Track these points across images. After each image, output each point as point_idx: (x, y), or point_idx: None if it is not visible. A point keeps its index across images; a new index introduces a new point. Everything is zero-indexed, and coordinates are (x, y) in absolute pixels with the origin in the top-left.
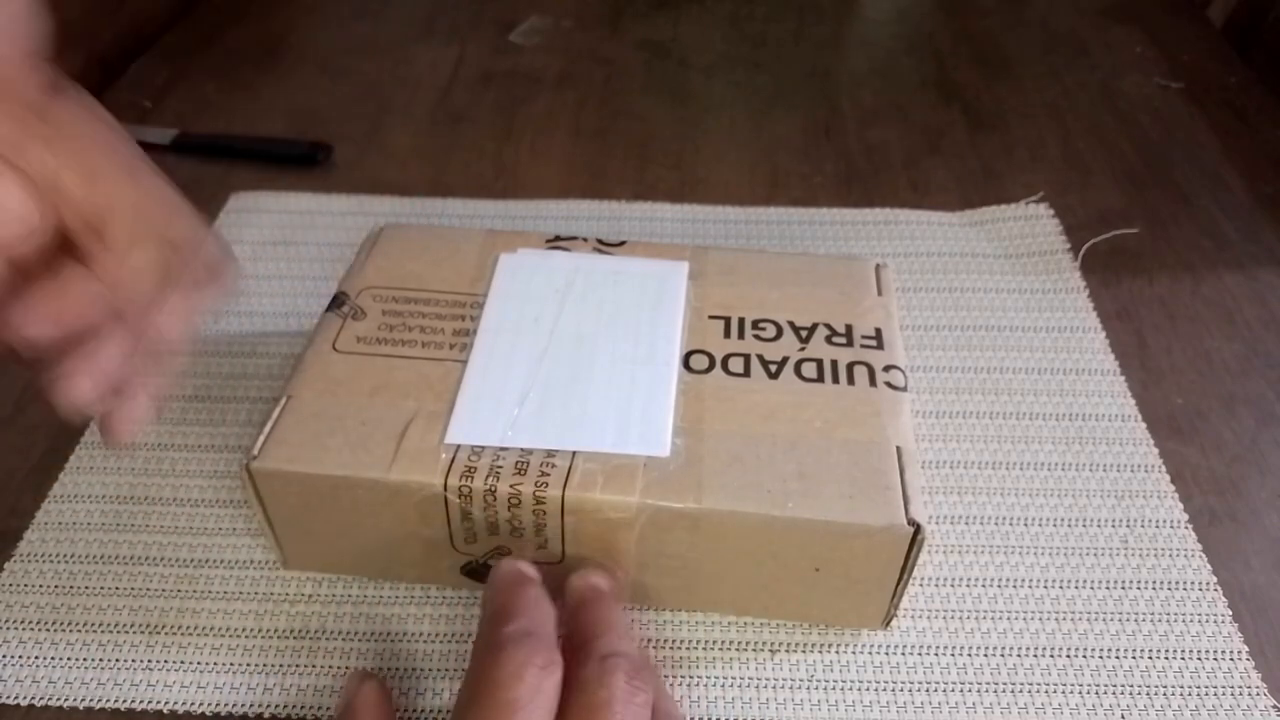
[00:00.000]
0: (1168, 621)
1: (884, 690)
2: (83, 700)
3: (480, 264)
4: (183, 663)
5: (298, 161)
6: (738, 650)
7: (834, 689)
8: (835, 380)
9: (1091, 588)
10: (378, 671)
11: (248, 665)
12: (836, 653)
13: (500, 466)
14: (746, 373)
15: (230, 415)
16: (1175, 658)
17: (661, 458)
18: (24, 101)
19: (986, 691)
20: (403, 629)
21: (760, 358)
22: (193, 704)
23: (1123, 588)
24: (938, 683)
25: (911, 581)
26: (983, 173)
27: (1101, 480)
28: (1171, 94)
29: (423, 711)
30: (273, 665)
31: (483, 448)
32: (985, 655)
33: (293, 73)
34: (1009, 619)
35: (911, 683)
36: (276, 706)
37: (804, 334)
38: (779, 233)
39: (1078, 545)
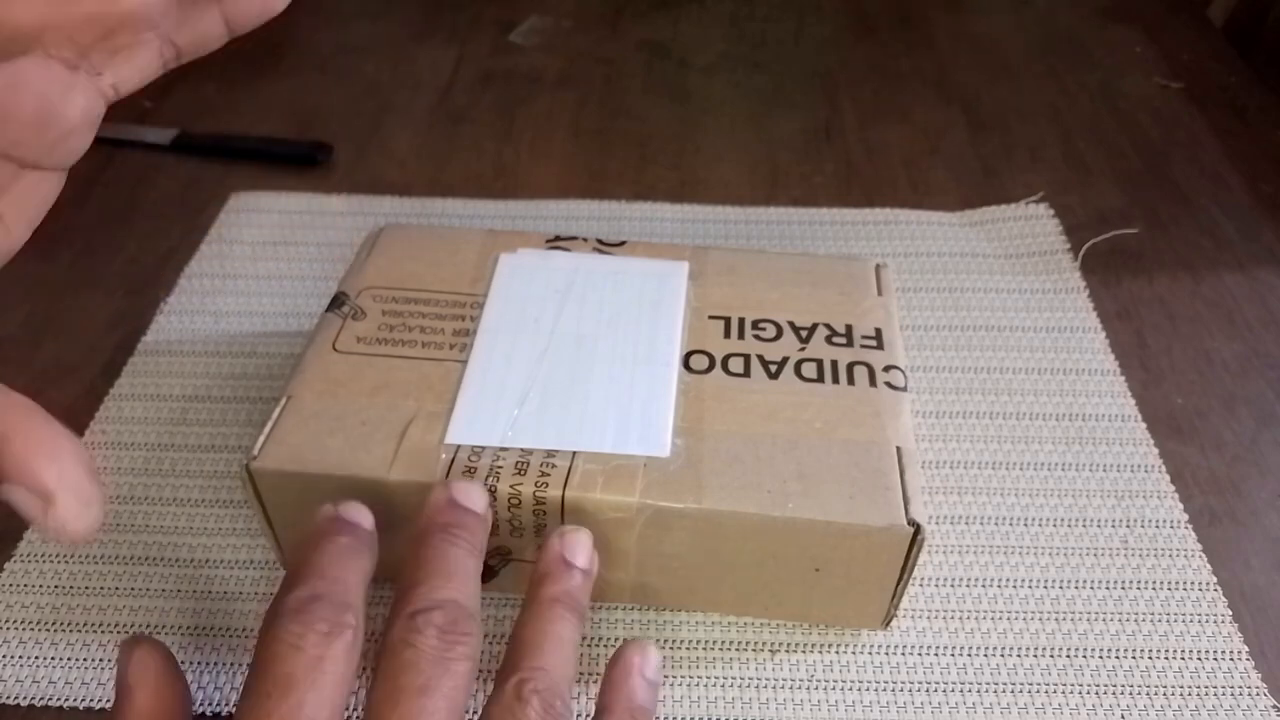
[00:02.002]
0: (1168, 621)
1: (884, 690)
2: (83, 700)
3: (480, 264)
4: (183, 662)
5: (298, 161)
6: (738, 650)
7: (834, 689)
8: (835, 380)
9: (1091, 588)
10: None
11: (248, 665)
12: (836, 653)
13: (500, 467)
14: (746, 373)
15: (230, 415)
16: (1175, 658)
17: (661, 458)
18: None
19: (986, 691)
20: None
21: (760, 358)
22: (193, 704)
23: (1123, 588)
24: (938, 683)
25: (911, 581)
26: (983, 173)
27: (1101, 480)
28: (1171, 94)
29: None
30: None
31: (483, 448)
32: (985, 655)
33: (293, 73)
34: (1009, 619)
35: (911, 683)
36: None
37: (804, 334)
38: (779, 233)
39: (1078, 545)
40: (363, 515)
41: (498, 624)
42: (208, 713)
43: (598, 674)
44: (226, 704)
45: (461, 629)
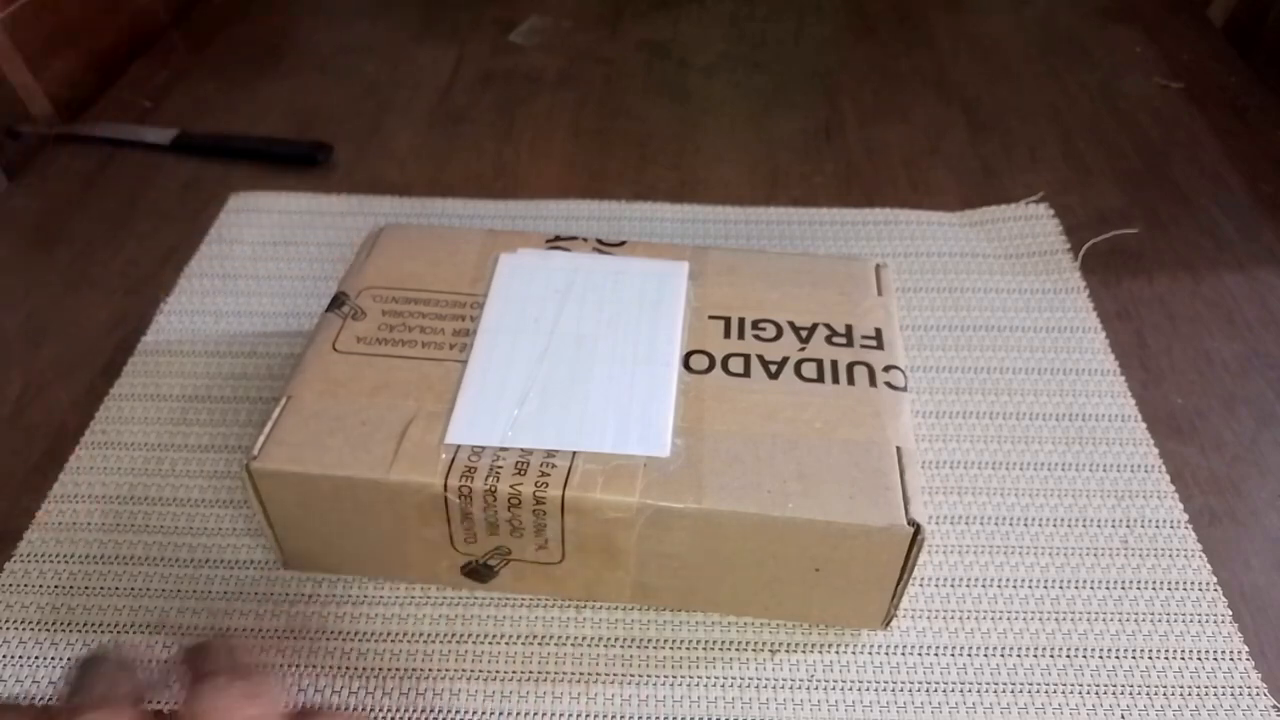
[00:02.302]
0: (1168, 621)
1: (884, 690)
2: None
3: (480, 264)
4: (182, 663)
5: (298, 161)
6: (738, 650)
7: (834, 689)
8: (835, 380)
9: (1091, 588)
10: (377, 671)
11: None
12: (836, 653)
13: (500, 466)
14: (746, 373)
15: (230, 415)
16: (1175, 658)
17: (661, 458)
18: None
19: (986, 691)
20: (403, 629)
21: (760, 358)
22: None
23: (1123, 588)
24: (938, 683)
25: (911, 581)
26: (983, 173)
27: (1101, 480)
28: (1171, 94)
29: (423, 712)
30: (273, 665)
31: (483, 448)
32: (985, 655)
33: (293, 73)
34: (1009, 619)
35: (911, 683)
36: None
37: (804, 334)
38: (779, 233)
39: (1078, 545)
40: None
41: (497, 624)
42: None
43: (597, 674)
44: None
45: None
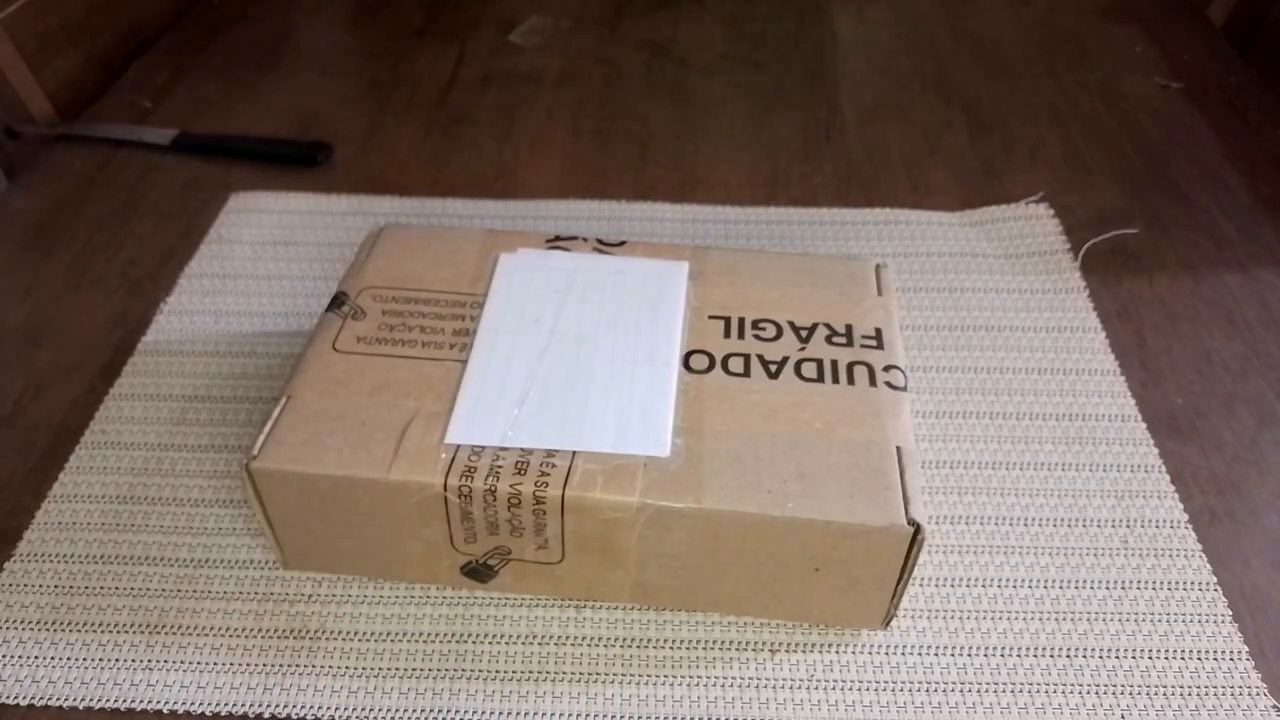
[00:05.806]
0: (1168, 621)
1: (884, 690)
2: (83, 700)
3: (480, 264)
4: (183, 663)
5: (298, 161)
6: (738, 650)
7: (834, 689)
8: (835, 380)
9: (1091, 588)
10: (377, 671)
11: (248, 665)
12: (836, 653)
13: (500, 466)
14: (746, 373)
15: (230, 415)
16: (1175, 658)
17: (661, 458)
18: None
19: (986, 691)
20: (403, 629)
21: (760, 358)
22: (193, 704)
23: (1123, 588)
24: (938, 683)
25: (911, 581)
26: (983, 173)
27: (1101, 480)
28: (1171, 94)
29: (423, 711)
30: (273, 665)
31: (483, 447)
32: (985, 655)
33: (293, 73)
34: (1009, 619)
35: (911, 683)
36: (276, 706)
37: (804, 334)
38: (779, 233)
39: (1078, 545)
40: None
41: (497, 624)
42: (207, 713)
43: (597, 674)
44: (226, 704)
45: None
